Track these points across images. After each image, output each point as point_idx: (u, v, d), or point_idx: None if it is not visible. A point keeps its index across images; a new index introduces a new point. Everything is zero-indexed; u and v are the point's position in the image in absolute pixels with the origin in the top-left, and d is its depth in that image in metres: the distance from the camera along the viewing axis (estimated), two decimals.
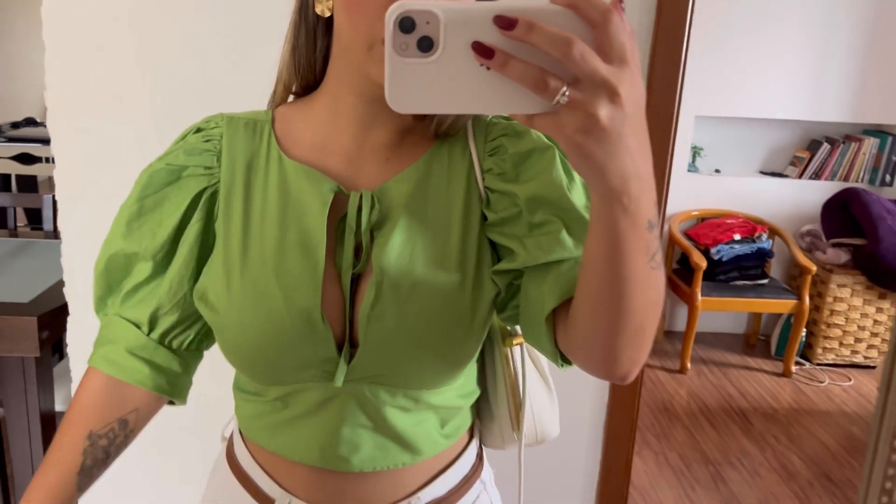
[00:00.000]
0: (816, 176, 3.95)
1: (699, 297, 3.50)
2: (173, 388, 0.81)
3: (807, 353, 3.77)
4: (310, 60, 0.74)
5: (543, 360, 0.92)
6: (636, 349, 0.62)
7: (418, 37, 0.45)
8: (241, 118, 0.77)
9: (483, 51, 0.44)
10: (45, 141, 3.79)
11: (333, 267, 0.72)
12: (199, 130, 0.78)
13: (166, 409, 0.84)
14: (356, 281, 0.72)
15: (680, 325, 4.04)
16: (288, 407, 0.77)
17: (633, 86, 0.45)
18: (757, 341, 3.99)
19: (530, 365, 0.89)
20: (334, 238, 0.73)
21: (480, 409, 0.90)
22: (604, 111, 0.44)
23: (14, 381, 1.80)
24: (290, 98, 0.79)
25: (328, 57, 0.74)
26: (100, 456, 0.78)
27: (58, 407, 1.98)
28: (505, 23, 0.44)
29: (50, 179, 4.21)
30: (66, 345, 1.55)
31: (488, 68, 0.45)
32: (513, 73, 0.44)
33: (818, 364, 3.73)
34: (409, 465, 0.78)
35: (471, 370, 0.83)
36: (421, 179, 0.73)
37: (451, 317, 0.71)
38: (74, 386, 1.61)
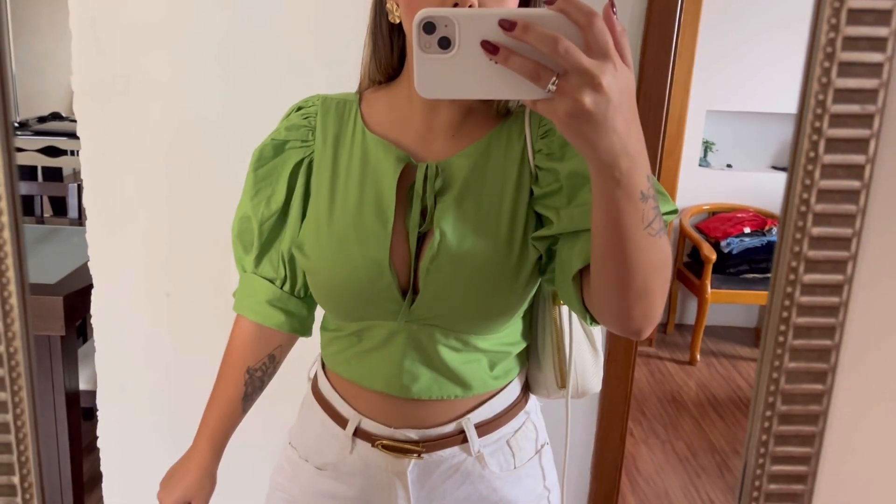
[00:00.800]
0: None
1: (709, 289, 3.53)
2: (303, 328, 1.01)
3: None
4: (389, 60, 0.89)
5: None
6: (645, 307, 0.71)
7: (438, 37, 0.56)
8: (334, 98, 0.93)
9: (490, 47, 0.55)
10: (70, 134, 3.87)
11: (403, 226, 0.86)
12: (299, 109, 0.93)
13: None
14: (422, 239, 0.86)
15: (690, 317, 4.06)
16: (361, 341, 0.91)
17: (616, 77, 0.55)
18: None
19: (577, 324, 0.99)
20: (405, 202, 0.86)
21: (530, 361, 1.00)
22: (588, 97, 0.54)
23: (41, 358, 1.88)
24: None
25: (405, 52, 0.88)
26: (257, 385, 1.00)
27: (82, 386, 2.06)
28: (506, 24, 0.55)
29: (74, 171, 4.30)
30: (91, 315, 1.63)
31: (495, 62, 0.56)
32: (513, 65, 0.55)
33: None
34: (461, 397, 0.92)
35: (516, 324, 0.93)
36: (481, 156, 0.86)
37: (496, 275, 0.84)
38: (99, 365, 1.68)
